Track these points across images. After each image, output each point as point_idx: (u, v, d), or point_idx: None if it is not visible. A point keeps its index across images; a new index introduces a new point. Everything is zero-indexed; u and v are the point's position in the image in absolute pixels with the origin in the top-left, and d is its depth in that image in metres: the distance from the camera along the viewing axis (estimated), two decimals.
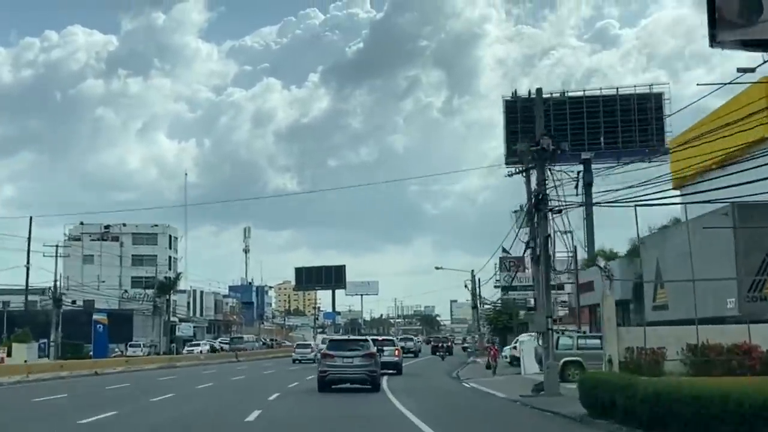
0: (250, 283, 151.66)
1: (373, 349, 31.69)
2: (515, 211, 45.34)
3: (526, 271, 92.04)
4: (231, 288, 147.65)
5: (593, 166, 75.80)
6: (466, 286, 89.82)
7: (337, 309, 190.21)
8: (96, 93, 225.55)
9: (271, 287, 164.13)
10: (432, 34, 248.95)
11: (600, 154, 78.54)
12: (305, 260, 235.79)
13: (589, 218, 66.23)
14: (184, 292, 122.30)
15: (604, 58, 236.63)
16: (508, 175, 37.01)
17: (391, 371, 42.46)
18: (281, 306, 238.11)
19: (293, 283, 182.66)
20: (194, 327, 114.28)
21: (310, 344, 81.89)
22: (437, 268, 68.95)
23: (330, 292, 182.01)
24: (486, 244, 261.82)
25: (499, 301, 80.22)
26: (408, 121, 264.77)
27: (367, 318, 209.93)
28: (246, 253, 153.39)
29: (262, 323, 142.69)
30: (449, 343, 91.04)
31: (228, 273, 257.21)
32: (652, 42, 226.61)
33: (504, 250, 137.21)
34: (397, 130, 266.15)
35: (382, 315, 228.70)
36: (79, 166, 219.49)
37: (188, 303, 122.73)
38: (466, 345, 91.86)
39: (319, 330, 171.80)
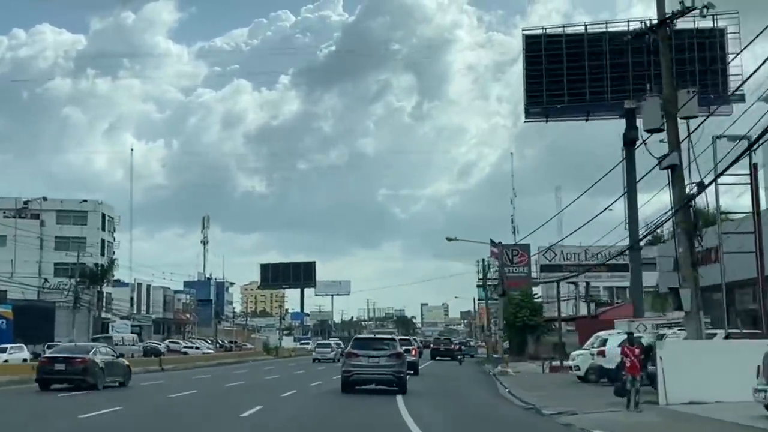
0: (208, 279, 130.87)
1: (401, 349, 29.06)
2: None
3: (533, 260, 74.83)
4: (186, 284, 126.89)
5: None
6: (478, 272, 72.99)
7: (307, 310, 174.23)
8: (64, 92, 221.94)
9: (232, 284, 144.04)
10: (403, 39, 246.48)
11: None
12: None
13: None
14: (126, 285, 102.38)
15: None
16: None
17: (408, 372, 34.79)
18: (247, 307, 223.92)
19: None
20: (135, 326, 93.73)
21: (330, 343, 77.93)
22: (449, 239, 46.12)
23: (299, 291, 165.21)
24: (455, 248, 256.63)
25: (517, 293, 61.08)
26: (378, 124, 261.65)
27: (338, 320, 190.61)
28: (204, 245, 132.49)
29: (220, 323, 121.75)
30: (457, 346, 72.17)
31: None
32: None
33: (492, 243, 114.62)
34: (367, 134, 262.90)
35: (353, 317, 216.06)
36: (43, 165, 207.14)
37: (131, 298, 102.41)
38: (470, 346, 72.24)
39: (286, 332, 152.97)
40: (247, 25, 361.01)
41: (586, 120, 62.41)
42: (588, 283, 44.10)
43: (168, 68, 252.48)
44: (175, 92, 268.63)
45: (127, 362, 36.25)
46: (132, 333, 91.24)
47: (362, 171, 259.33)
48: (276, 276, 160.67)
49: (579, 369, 32.41)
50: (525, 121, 62.96)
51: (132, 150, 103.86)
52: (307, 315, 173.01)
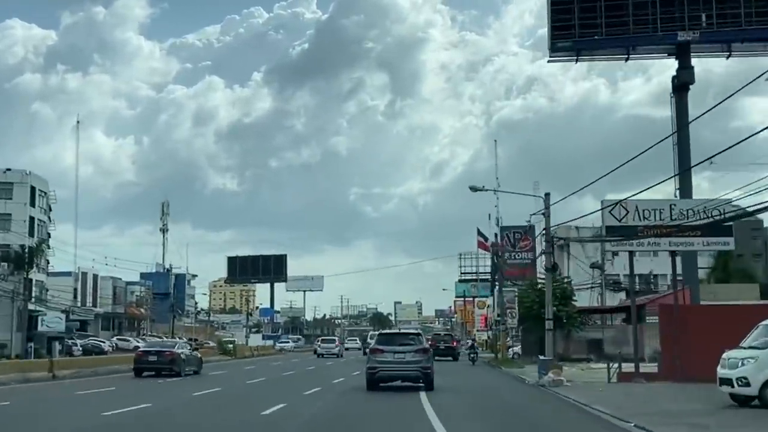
0: (167, 270, 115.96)
1: (427, 344, 28.59)
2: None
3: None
4: (143, 275, 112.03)
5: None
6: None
7: (278, 306, 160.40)
8: (33, 88, 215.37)
9: (195, 276, 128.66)
10: (377, 37, 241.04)
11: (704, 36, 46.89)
12: None
13: None
14: (69, 274, 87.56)
15: (545, 65, 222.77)
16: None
17: None
18: (210, 303, 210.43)
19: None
20: (75, 320, 79.11)
21: (335, 339, 78.23)
22: (474, 189, 31.40)
23: (268, 286, 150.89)
24: (428, 246, 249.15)
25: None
26: (351, 123, 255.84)
27: (310, 318, 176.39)
28: (164, 233, 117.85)
29: (180, 319, 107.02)
30: (453, 343, 58.36)
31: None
32: None
33: (479, 233, 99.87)
34: (340, 132, 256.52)
35: (326, 315, 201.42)
36: (10, 161, 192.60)
37: (75, 289, 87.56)
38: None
39: (254, 329, 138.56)
40: (220, 21, 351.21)
41: (627, 59, 48.95)
42: (674, 253, 29.83)
43: (139, 64, 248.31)
44: (146, 89, 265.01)
45: (199, 355, 43.58)
46: (72, 328, 77.43)
47: (334, 169, 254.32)
48: (244, 269, 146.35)
49: (746, 383, 18.25)
50: (549, 60, 49.41)
51: (78, 122, 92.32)
52: (278, 312, 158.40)
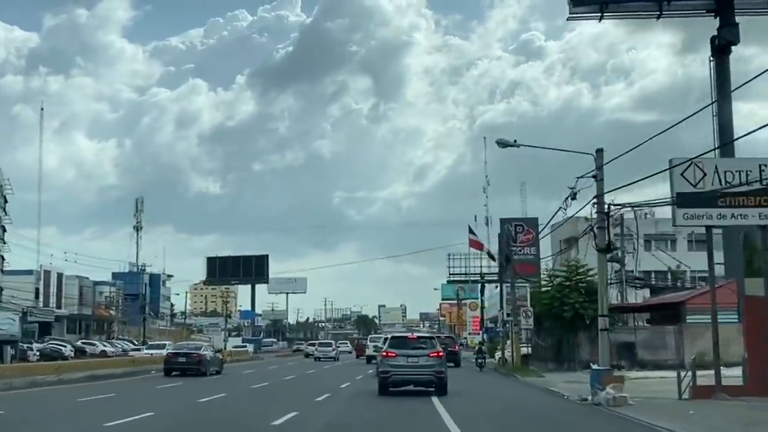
0: (141, 270, 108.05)
1: (439, 348, 26.48)
2: None
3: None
4: (115, 275, 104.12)
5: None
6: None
7: (260, 309, 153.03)
8: (14, 90, 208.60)
9: (170, 276, 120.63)
10: (361, 41, 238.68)
11: None
12: None
13: None
14: (30, 272, 79.65)
15: (528, 69, 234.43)
16: None
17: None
18: (197, 307, 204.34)
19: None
20: (34, 321, 71.22)
21: (331, 343, 78.94)
22: (503, 144, 23.19)
23: (249, 287, 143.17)
24: (411, 249, 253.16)
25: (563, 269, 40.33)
26: (335, 126, 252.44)
27: (293, 321, 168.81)
28: (137, 231, 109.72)
29: (151, 320, 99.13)
30: (455, 347, 50.81)
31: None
32: (575, 55, 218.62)
33: (471, 231, 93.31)
34: (324, 136, 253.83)
35: (309, 318, 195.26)
36: None
37: (37, 289, 79.67)
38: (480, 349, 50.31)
39: (234, 333, 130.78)
40: (203, 24, 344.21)
41: (659, 17, 41.63)
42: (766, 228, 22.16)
43: (122, 67, 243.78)
44: (128, 91, 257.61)
45: (221, 356, 49.19)
46: (31, 331, 69.59)
47: (318, 173, 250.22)
48: (224, 270, 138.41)
49: None
50: (570, 17, 41.88)
51: (42, 110, 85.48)
52: (260, 315, 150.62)
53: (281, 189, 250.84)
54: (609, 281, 52.65)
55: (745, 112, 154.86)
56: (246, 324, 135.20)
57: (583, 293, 37.92)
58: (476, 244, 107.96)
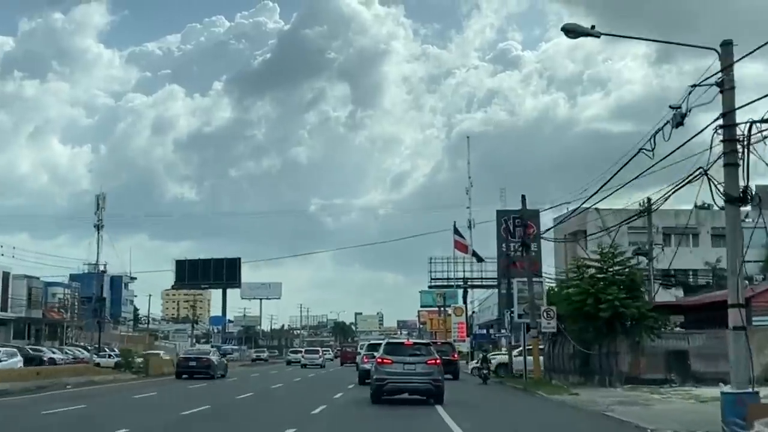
0: (102, 271, 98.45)
1: (436, 356, 25.49)
2: None
3: None
4: (73, 277, 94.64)
5: None
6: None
7: (233, 315, 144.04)
8: None
9: (133, 278, 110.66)
10: (339, 48, 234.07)
11: None
12: None
13: None
14: None
15: (506, 79, 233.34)
16: None
17: None
18: (169, 313, 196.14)
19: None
20: None
21: (318, 350, 79.19)
22: (574, 32, 14.43)
23: (220, 292, 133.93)
24: (388, 257, 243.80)
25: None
26: (312, 133, 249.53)
27: (267, 327, 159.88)
28: (98, 229, 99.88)
29: (112, 325, 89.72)
30: (453, 355, 41.90)
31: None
32: (552, 65, 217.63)
33: (456, 232, 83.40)
34: (301, 142, 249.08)
35: (284, 325, 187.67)
36: None
37: None
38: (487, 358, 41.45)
39: (203, 340, 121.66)
40: (181, 30, 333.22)
41: None
42: None
43: (98, 72, 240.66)
44: (104, 97, 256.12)
45: (225, 361, 53.31)
46: None
47: (295, 180, 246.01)
48: (194, 274, 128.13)
49: None
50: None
51: None
52: (231, 321, 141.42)
53: (258, 196, 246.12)
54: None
55: None
56: (215, 330, 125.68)
57: (622, 288, 29.48)
58: (461, 246, 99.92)
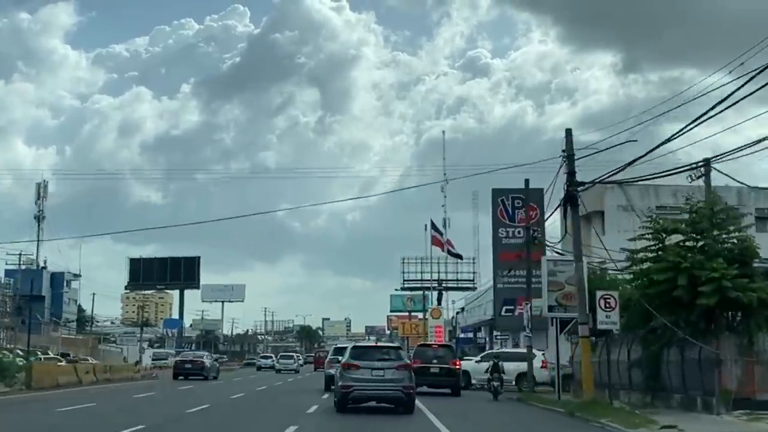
0: (42, 267, 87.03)
1: (408, 360, 23.69)
2: None
3: None
4: (8, 272, 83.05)
5: None
6: None
7: (191, 317, 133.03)
8: None
9: (77, 276, 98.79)
10: (309, 54, 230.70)
11: None
12: None
13: None
14: None
15: (475, 86, 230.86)
16: None
17: None
18: (129, 316, 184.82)
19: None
20: None
21: (293, 355, 78.43)
22: None
23: (178, 293, 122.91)
24: (356, 262, 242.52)
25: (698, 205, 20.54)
26: (281, 138, 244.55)
27: (229, 331, 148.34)
28: (38, 221, 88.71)
29: (46, 326, 77.86)
30: (454, 363, 30.68)
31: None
32: (520, 74, 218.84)
33: (434, 227, 76.48)
34: (269, 147, 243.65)
35: (249, 330, 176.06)
36: None
37: None
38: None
39: (157, 344, 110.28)
40: (149, 32, 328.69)
41: None
42: None
43: (64, 73, 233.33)
44: (70, 98, 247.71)
45: (218, 363, 56.91)
46: None
47: (263, 184, 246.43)
48: (149, 274, 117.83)
49: None
50: None
51: None
52: (190, 326, 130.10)
53: (225, 200, 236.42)
54: None
55: None
56: (169, 334, 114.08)
57: (732, 262, 18.86)
58: (438, 243, 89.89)
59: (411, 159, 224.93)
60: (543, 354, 33.59)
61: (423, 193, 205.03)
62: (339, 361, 24.65)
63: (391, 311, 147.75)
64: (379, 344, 32.64)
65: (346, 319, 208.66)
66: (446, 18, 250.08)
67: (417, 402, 22.47)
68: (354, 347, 24.75)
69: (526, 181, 40.92)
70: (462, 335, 69.42)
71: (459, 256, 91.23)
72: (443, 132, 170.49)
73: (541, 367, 33.68)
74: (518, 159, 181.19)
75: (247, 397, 28.63)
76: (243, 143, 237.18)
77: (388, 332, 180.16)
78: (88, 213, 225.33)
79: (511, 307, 46.96)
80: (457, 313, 76.26)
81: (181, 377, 45.86)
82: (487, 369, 29.40)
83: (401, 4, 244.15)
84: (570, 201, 21.57)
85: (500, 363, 29.29)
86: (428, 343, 42.78)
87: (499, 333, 51.41)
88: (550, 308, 25.53)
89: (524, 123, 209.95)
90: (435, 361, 29.51)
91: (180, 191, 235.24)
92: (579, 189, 21.52)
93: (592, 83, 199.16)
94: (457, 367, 29.86)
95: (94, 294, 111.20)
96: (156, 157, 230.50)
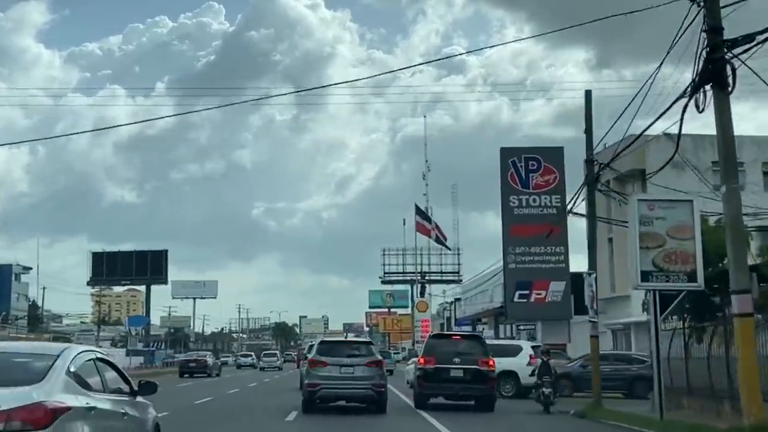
0: None
1: (379, 356, 21.08)
2: None
3: None
4: None
5: None
6: None
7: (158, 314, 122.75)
8: None
9: (28, 269, 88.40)
10: (285, 51, 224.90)
11: None
12: None
13: None
14: None
15: (450, 83, 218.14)
16: None
17: None
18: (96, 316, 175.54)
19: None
20: None
21: (276, 353, 78.79)
22: None
23: (144, 289, 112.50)
24: (332, 261, 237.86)
25: None
26: (256, 136, 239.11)
27: (201, 329, 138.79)
28: None
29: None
30: (486, 363, 19.88)
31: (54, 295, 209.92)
32: (495, 71, 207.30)
33: (419, 211, 75.38)
34: (245, 145, 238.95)
35: (223, 328, 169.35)
36: None
37: None
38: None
39: (120, 344, 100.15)
40: (123, 30, 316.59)
41: None
42: None
43: (37, 72, 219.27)
44: (43, 97, 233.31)
45: (219, 362, 59.77)
46: None
47: (238, 183, 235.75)
48: (113, 269, 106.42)
49: None
50: None
51: None
52: (164, 324, 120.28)
53: (200, 199, 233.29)
54: None
55: None
56: (135, 332, 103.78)
57: None
58: (423, 229, 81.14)
59: (387, 156, 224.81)
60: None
61: (400, 191, 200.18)
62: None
63: (369, 307, 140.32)
64: (348, 339, 30.80)
65: (323, 316, 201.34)
66: (421, 15, 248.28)
67: (426, 416, 18.08)
68: (321, 342, 22.97)
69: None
70: (456, 328, 59.82)
71: (444, 244, 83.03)
72: (424, 116, 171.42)
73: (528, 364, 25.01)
74: (494, 156, 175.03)
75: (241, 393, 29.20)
76: (218, 141, 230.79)
77: (366, 329, 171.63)
78: (61, 212, 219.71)
79: (526, 292, 37.69)
80: (452, 303, 66.75)
81: (186, 375, 48.42)
82: (534, 370, 20.00)
83: (376, 1, 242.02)
84: (715, 76, 12.01)
85: (550, 364, 19.83)
86: (446, 333, 32.19)
87: (513, 322, 42.11)
88: (645, 276, 15.93)
89: (499, 120, 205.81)
90: (457, 359, 19.78)
91: (155, 190, 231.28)
92: (734, 53, 11.89)
93: (566, 79, 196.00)
94: (490, 366, 20.13)
95: (44, 288, 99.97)
96: (130, 156, 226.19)
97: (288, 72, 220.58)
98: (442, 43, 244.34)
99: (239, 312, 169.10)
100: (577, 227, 59.52)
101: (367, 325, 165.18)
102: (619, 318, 37.11)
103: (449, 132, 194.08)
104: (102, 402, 7.06)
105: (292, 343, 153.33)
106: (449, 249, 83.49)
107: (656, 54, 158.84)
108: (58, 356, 6.90)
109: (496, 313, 40.44)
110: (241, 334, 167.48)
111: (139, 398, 8.34)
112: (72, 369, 6.84)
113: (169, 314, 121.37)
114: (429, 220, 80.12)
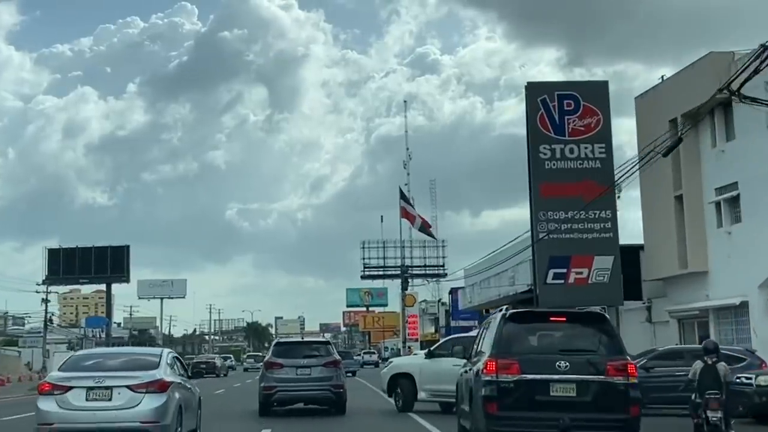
0: None
1: (337, 356, 20.32)
2: None
3: None
4: None
5: None
6: None
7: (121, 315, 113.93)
8: None
9: None
10: (258, 52, 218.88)
11: None
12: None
13: None
14: None
15: (424, 83, 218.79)
16: None
17: None
18: (68, 318, 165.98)
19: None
20: None
21: (260, 355, 75.76)
22: None
23: (105, 287, 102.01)
24: (307, 262, 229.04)
25: None
26: (230, 137, 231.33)
27: (169, 331, 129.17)
28: None
29: None
30: (626, 369, 9.19)
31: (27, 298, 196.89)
32: (469, 71, 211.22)
33: (403, 196, 70.51)
34: (218, 146, 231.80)
35: (195, 330, 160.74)
36: None
37: None
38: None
39: (77, 347, 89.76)
40: (93, 31, 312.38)
41: None
42: None
43: (7, 74, 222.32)
44: (13, 99, 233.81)
45: (227, 363, 66.86)
46: None
47: (211, 184, 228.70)
48: (70, 266, 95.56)
49: None
50: None
51: None
52: (118, 324, 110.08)
53: (174, 200, 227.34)
54: None
55: None
56: (92, 335, 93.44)
57: None
58: (408, 216, 72.00)
59: (362, 156, 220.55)
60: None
61: (375, 192, 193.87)
62: None
63: (347, 306, 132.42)
64: (305, 339, 30.03)
65: (299, 317, 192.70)
66: (395, 15, 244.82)
67: None
68: (277, 344, 22.08)
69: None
70: (454, 323, 49.92)
71: (430, 234, 74.51)
72: (405, 101, 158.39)
73: None
74: (468, 155, 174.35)
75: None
76: (191, 143, 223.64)
77: (344, 329, 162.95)
78: (32, 214, 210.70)
79: (563, 271, 28.06)
80: (450, 293, 57.20)
81: (197, 376, 53.65)
82: (690, 380, 10.62)
83: (350, 2, 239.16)
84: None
85: (719, 366, 10.43)
86: (537, 310, 14.20)
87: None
88: None
89: (473, 119, 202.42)
90: (563, 363, 9.88)
91: (127, 192, 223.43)
92: None
93: (538, 78, 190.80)
94: (632, 375, 9.92)
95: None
96: (102, 158, 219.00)
97: (261, 72, 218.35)
98: (416, 43, 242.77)
99: (210, 312, 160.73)
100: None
101: (345, 325, 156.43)
102: (691, 302, 27.57)
103: (423, 131, 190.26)
104: (183, 380, 13.55)
105: (266, 345, 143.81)
106: (435, 238, 75.29)
107: (627, 53, 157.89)
108: (161, 354, 13.35)
109: (519, 299, 30.37)
110: (213, 336, 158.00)
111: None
112: (168, 361, 13.08)
113: (131, 314, 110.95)
114: (413, 206, 71.62)
